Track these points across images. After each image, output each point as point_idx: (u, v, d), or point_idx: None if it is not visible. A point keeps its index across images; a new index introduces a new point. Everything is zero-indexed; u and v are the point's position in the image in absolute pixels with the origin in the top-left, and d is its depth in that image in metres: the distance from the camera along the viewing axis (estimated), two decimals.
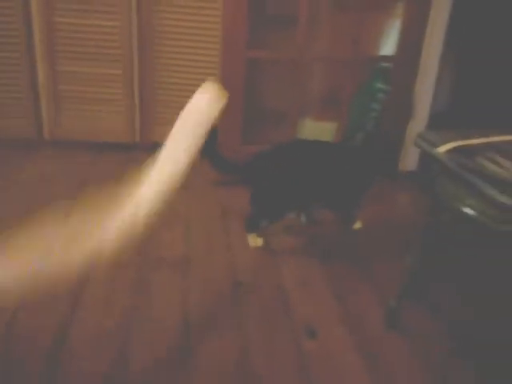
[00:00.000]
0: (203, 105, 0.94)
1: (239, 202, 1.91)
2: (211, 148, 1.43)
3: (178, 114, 2.40)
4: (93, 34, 2.22)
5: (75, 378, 1.05)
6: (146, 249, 1.55)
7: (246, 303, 1.34)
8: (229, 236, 1.67)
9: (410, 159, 2.24)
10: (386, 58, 2.20)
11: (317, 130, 2.25)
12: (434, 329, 1.29)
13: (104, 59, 2.26)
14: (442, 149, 0.96)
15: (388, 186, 2.11)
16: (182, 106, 2.38)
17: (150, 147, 2.39)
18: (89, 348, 1.13)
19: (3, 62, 2.24)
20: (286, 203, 1.60)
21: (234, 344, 1.18)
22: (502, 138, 1.00)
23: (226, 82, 1.92)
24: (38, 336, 1.15)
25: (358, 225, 1.76)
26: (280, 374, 1.10)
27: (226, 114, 2.04)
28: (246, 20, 1.83)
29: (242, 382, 1.08)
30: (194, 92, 2.28)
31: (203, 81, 2.23)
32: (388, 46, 2.19)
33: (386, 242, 1.72)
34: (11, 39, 2.20)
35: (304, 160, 1.55)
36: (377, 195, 1.85)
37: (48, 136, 2.42)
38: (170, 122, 2.48)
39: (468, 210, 0.89)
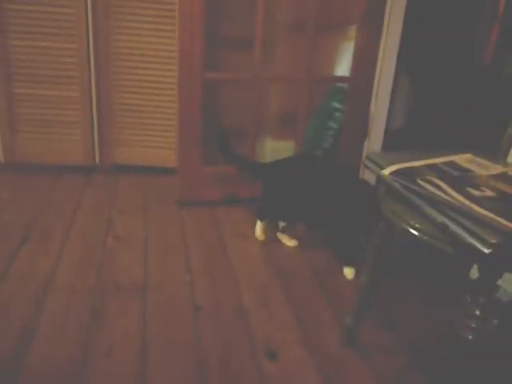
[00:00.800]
0: None
1: (200, 224, 1.92)
2: (224, 146, 1.84)
3: (137, 136, 2.39)
4: (49, 57, 2.19)
5: None
6: (103, 274, 1.53)
7: (205, 326, 1.33)
8: (189, 258, 1.67)
9: (368, 178, 2.30)
10: (341, 79, 2.26)
11: (276, 148, 2.28)
12: (391, 344, 1.32)
13: (61, 82, 2.24)
14: (387, 171, 0.99)
15: None
16: (140, 127, 2.40)
17: (111, 169, 2.42)
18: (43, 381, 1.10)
19: None
20: (286, 206, 1.77)
21: (191, 370, 1.17)
22: (444, 159, 1.05)
23: (183, 103, 1.94)
24: None
25: (349, 274, 1.64)
26: None
27: (184, 135, 2.08)
28: (202, 42, 1.84)
29: None
30: (152, 113, 2.31)
31: (161, 101, 2.27)
32: (343, 67, 2.26)
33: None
34: None
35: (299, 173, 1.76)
36: None
37: (3, 159, 2.36)
38: (129, 144, 2.49)
39: (413, 231, 0.92)
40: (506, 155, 1.18)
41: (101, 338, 1.25)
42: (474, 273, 0.92)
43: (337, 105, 2.28)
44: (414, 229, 0.91)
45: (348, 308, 1.31)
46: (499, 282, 0.87)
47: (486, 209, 0.82)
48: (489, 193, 0.91)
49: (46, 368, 1.13)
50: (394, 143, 2.17)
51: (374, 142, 2.17)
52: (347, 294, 1.51)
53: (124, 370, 1.15)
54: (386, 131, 2.17)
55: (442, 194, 0.85)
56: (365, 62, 2.07)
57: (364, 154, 2.24)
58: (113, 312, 1.36)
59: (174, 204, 2.04)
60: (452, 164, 1.04)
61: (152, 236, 1.79)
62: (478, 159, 1.10)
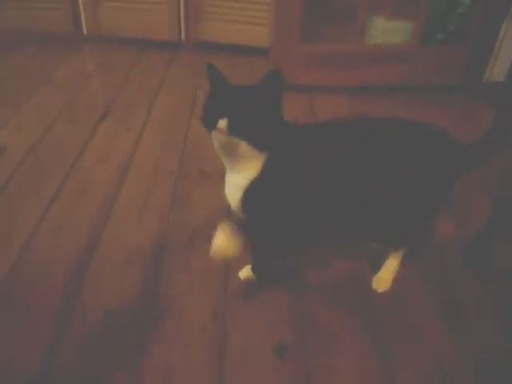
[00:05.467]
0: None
1: (294, 111, 1.67)
2: None
3: (227, 8, 2.09)
4: None
5: (99, 301, 0.92)
6: (186, 157, 1.37)
7: None
8: None
9: (498, 67, 1.87)
10: None
11: (390, 29, 1.90)
12: None
13: None
14: None
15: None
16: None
17: (197, 46, 2.18)
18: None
19: None
20: None
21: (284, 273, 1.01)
22: None
23: None
24: (61, 252, 1.03)
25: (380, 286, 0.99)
26: (338, 315, 0.93)
27: (282, 6, 1.76)
28: None
29: (292, 319, 0.91)
30: None
31: None
32: None
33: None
34: None
35: None
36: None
37: (87, 31, 2.21)
38: (217, 18, 2.17)
39: None
40: None
41: (183, 225, 1.12)
42: None
43: None
44: None
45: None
46: None
47: None
48: None
49: (120, 253, 1.03)
50: None
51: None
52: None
53: (206, 259, 1.02)
54: None
55: None
56: None
57: (500, 38, 1.80)
58: (195, 199, 1.21)
59: None
60: None
61: None
62: None
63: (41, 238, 1.05)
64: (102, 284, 0.95)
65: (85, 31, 2.20)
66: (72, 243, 1.04)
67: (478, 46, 1.82)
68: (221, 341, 0.85)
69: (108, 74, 1.90)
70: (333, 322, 0.90)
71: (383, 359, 0.83)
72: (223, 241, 0.82)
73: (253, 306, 0.92)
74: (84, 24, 2.18)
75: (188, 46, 2.16)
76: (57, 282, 0.94)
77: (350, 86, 1.85)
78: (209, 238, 0.82)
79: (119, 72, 1.89)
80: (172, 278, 0.97)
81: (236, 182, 0.83)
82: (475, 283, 1.00)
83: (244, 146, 0.75)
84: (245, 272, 0.98)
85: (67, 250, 1.02)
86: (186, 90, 1.77)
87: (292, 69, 1.79)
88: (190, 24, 2.12)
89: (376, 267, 1.00)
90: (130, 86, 1.78)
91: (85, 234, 1.07)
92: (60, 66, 1.94)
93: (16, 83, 1.77)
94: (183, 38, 2.16)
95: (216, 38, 2.12)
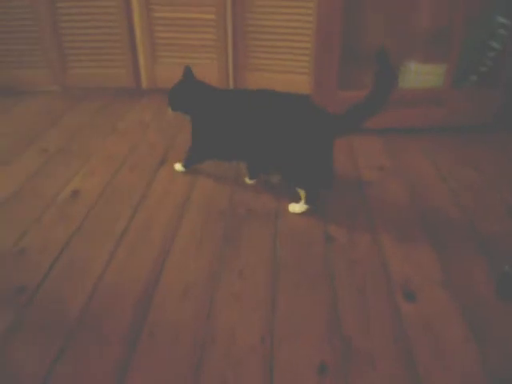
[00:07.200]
0: None
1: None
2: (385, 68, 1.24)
3: (270, 60, 2.28)
4: None
5: (163, 325, 1.06)
6: (234, 198, 1.53)
7: (338, 258, 1.26)
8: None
9: None
10: None
11: (422, 73, 2.02)
12: None
13: (197, 3, 2.21)
14: None
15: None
16: (275, 51, 2.25)
17: None
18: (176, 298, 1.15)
19: (103, 12, 2.28)
20: None
21: (324, 301, 1.12)
22: None
23: (321, 19, 1.77)
24: (129, 283, 1.19)
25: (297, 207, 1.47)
26: (373, 338, 1.03)
27: (321, 56, 1.93)
28: None
29: (333, 342, 1.02)
30: (287, 35, 2.17)
31: (297, 22, 2.12)
32: None
33: (495, 198, 1.52)
34: None
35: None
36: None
37: (145, 85, 2.47)
38: (261, 68, 2.37)
39: None
40: None
41: (233, 260, 1.26)
42: None
43: (502, 19, 1.91)
44: None
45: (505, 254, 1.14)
46: None
47: None
48: None
49: (180, 284, 1.18)
50: None
51: None
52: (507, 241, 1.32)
53: (255, 292, 1.15)
54: None
55: None
56: None
57: None
58: (245, 235, 1.36)
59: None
60: None
61: None
62: None
63: (111, 271, 1.22)
64: (165, 311, 1.09)
65: (144, 85, 2.46)
66: (138, 276, 1.20)
67: (510, 86, 1.91)
68: (269, 359, 0.97)
69: (164, 124, 2.11)
70: (370, 345, 1.00)
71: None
72: None
73: (296, 328, 1.04)
74: (143, 79, 2.44)
75: None
76: (126, 311, 1.10)
77: (386, 128, 1.97)
78: (256, 271, 0.95)
79: (174, 120, 2.10)
80: (224, 304, 1.11)
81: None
82: (507, 315, 1.07)
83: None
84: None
85: (133, 284, 1.18)
86: None
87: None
88: (237, 75, 2.34)
89: None
90: (183, 134, 1.98)
91: (149, 267, 1.23)
92: (122, 117, 2.18)
93: (86, 134, 2.01)
94: (231, 87, 2.38)
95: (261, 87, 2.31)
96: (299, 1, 2.11)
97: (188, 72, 1.55)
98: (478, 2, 1.91)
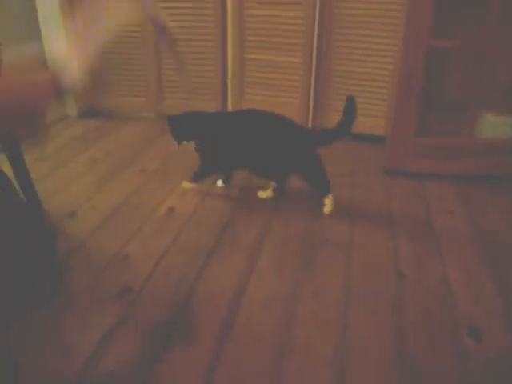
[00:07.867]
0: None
1: (405, 194, 1.91)
2: None
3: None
4: (278, 25, 2.39)
5: (248, 329, 1.21)
6: (312, 229, 1.67)
7: (408, 294, 1.36)
8: (393, 226, 1.70)
9: None
10: None
11: (499, 124, 2.09)
12: None
13: (286, 48, 2.43)
14: None
15: None
16: (356, 95, 2.41)
17: None
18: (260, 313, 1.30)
19: (200, 51, 2.55)
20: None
21: (391, 329, 1.22)
22: None
23: (404, 70, 1.91)
24: (220, 291, 1.36)
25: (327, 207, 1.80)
26: (439, 370, 1.11)
27: (401, 104, 2.05)
28: (432, 7, 1.77)
29: (398, 368, 1.12)
30: (368, 81, 2.33)
31: (379, 69, 2.27)
32: None
33: None
34: (208, 29, 2.50)
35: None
36: None
37: None
38: (341, 109, 2.52)
39: None
40: None
41: (308, 283, 1.39)
42: None
43: None
44: None
45: None
46: None
47: None
48: None
49: (263, 296, 1.33)
50: None
51: None
52: None
53: (327, 314, 1.27)
54: None
55: None
56: None
57: None
58: (320, 263, 1.49)
59: (380, 172, 2.07)
60: None
61: (357, 200, 1.87)
62: None
63: (204, 279, 1.40)
64: (250, 320, 1.25)
65: None
66: (227, 285, 1.37)
67: None
68: (340, 368, 1.09)
69: None
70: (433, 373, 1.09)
71: None
72: None
73: (365, 343, 1.15)
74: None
75: None
76: (217, 314, 1.27)
77: (458, 175, 2.04)
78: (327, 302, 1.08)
79: None
80: (301, 320, 1.24)
81: None
82: None
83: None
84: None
85: (223, 292, 1.35)
86: None
87: (405, 157, 2.05)
88: (316, 114, 2.51)
89: None
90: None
91: (236, 279, 1.40)
92: None
93: (178, 157, 2.25)
94: (309, 125, 2.55)
95: None
96: (383, 50, 2.26)
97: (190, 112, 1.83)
98: None
